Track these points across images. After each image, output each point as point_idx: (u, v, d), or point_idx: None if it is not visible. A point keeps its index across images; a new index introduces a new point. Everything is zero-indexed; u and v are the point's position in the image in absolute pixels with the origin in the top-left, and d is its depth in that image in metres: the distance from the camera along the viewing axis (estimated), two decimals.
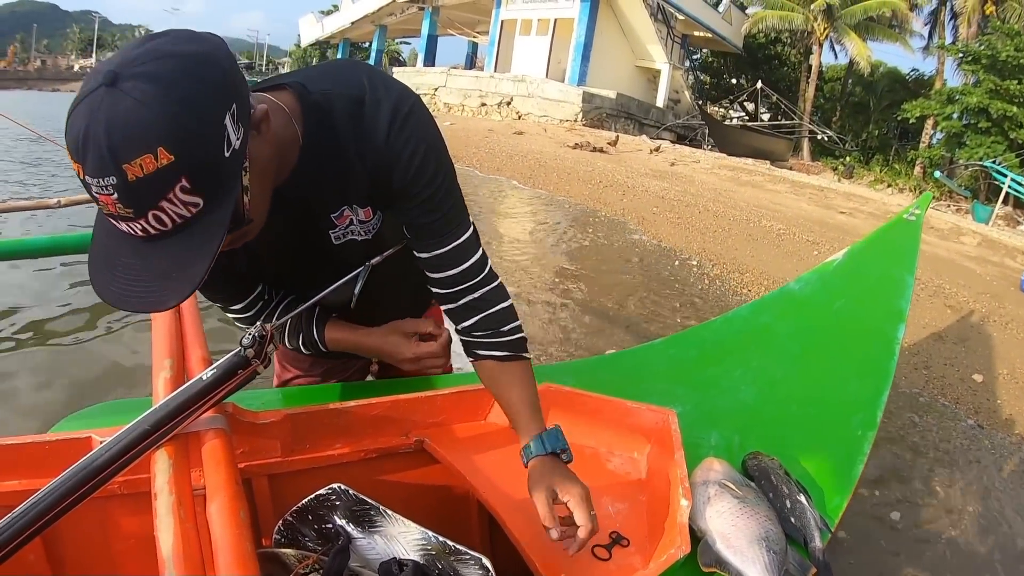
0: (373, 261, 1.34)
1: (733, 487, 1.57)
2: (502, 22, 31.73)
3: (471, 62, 40.60)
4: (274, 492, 1.69)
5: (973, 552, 3.42)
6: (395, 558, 1.38)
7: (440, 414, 1.82)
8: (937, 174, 22.04)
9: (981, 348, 6.44)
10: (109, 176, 0.89)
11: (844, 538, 3.19)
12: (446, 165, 1.38)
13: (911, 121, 25.96)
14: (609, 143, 18.89)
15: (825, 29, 29.53)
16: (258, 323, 1.27)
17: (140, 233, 0.97)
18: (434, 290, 1.50)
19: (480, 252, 1.48)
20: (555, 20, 29.59)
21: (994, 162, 19.90)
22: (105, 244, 1.04)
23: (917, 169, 25.51)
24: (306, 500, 1.43)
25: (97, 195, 0.92)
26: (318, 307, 1.70)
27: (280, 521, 1.47)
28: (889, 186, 23.16)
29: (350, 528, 1.42)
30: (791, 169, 23.02)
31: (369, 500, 1.39)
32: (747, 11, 34.21)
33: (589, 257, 7.77)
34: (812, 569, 1.48)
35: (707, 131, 27.42)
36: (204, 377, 1.24)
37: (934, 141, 26.18)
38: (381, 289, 1.59)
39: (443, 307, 1.54)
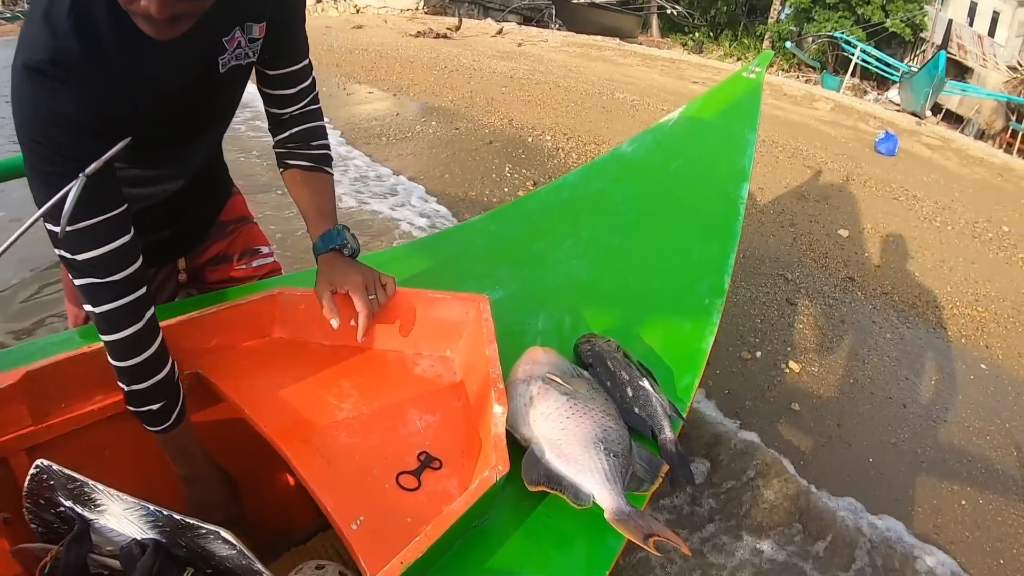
0: (89, 170, 1.10)
1: (561, 381, 1.32)
2: None
3: None
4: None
5: (854, 399, 3.54)
6: (135, 540, 1.12)
7: (216, 336, 1.56)
8: (788, 44, 22.57)
9: (843, 205, 6.55)
10: None
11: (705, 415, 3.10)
12: None
13: None
14: (451, 28, 18.38)
15: None
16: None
17: None
18: (271, 110, 1.59)
19: (312, 76, 1.60)
20: None
21: (843, 35, 20.37)
22: None
23: (766, 43, 25.80)
24: (26, 484, 1.13)
25: None
26: None
27: (25, 505, 1.18)
28: (739, 59, 23.37)
29: (81, 509, 1.14)
30: (641, 45, 22.94)
31: (77, 476, 1.08)
32: None
33: (437, 145, 7.44)
34: (664, 466, 1.26)
35: (554, 11, 27.11)
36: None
37: (782, 16, 26.59)
38: (194, 179, 1.64)
39: (273, 122, 1.61)
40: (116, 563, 1.14)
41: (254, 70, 1.49)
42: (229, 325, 1.56)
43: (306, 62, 1.55)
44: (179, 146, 1.52)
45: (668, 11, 29.90)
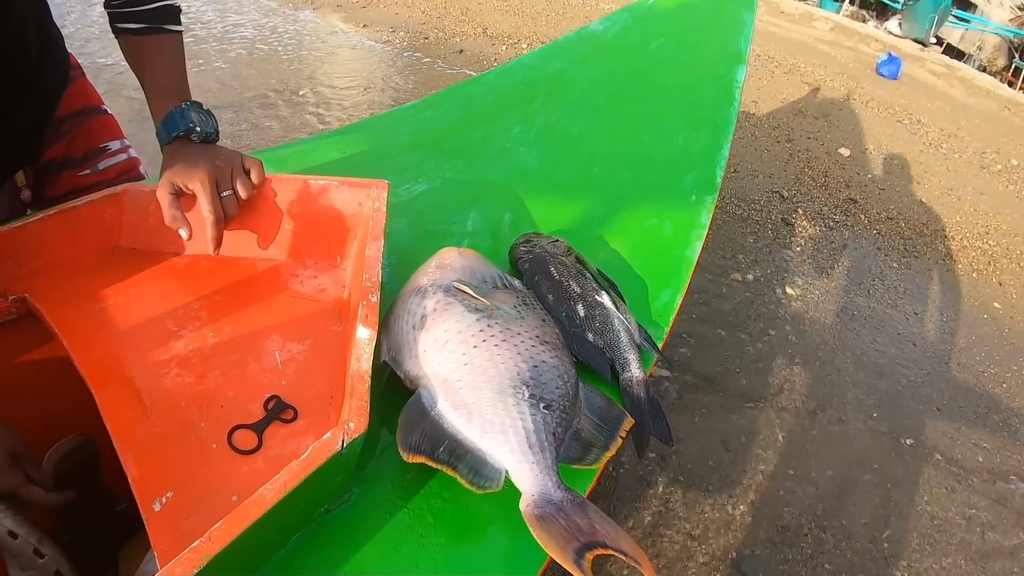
0: None
1: (472, 292, 0.90)
2: None
3: None
4: None
5: (857, 333, 3.24)
6: None
7: (48, 249, 1.20)
8: None
9: (844, 124, 6.23)
10: None
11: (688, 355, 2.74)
12: None
13: None
14: None
15: None
16: None
17: None
18: None
19: None
20: None
21: None
22: None
23: None
24: None
25: None
26: None
27: None
28: None
29: None
30: None
31: None
32: None
33: (408, 66, 7.07)
34: (627, 419, 0.86)
35: None
36: None
37: None
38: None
39: None
40: None
41: None
42: (64, 234, 1.21)
43: None
44: None
45: None
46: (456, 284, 0.91)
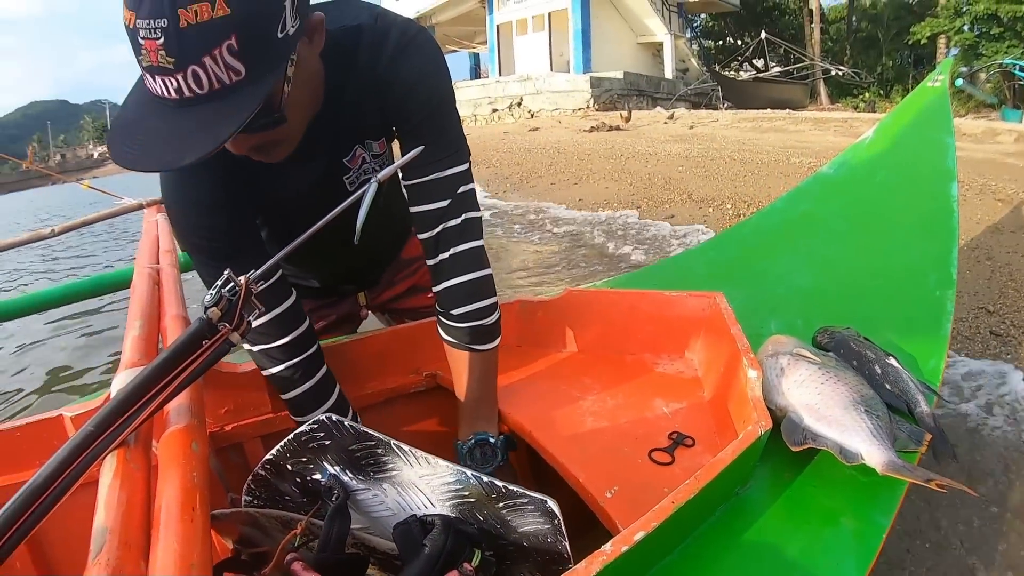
0: (380, 176, 1.10)
1: (809, 354, 1.30)
2: (498, 27, 31.57)
3: (475, 73, 40.51)
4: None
5: None
6: (415, 515, 1.06)
7: None
8: (959, 82, 21.60)
9: None
10: (161, 18, 0.88)
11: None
12: (445, 91, 1.31)
13: (923, 43, 25.75)
14: (623, 119, 18.72)
15: None
16: (226, 272, 0.96)
17: (173, 94, 0.94)
18: (418, 235, 1.40)
19: (464, 191, 1.35)
20: (549, 14, 29.46)
21: (1012, 60, 19.56)
22: (131, 115, 1.01)
23: None
24: (282, 444, 1.12)
25: (143, 41, 0.90)
26: None
27: (249, 477, 1.19)
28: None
29: (347, 477, 1.11)
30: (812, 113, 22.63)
31: (375, 433, 1.05)
32: None
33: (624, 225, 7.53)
34: (926, 435, 1.20)
35: (720, 92, 27.21)
36: (159, 356, 0.97)
37: (950, 58, 25.88)
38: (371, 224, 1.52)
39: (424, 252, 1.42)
40: (380, 541, 1.10)
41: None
42: None
43: (439, 175, 1.32)
44: (335, 248, 1.56)
45: (834, 74, 29.45)
46: (796, 352, 1.30)
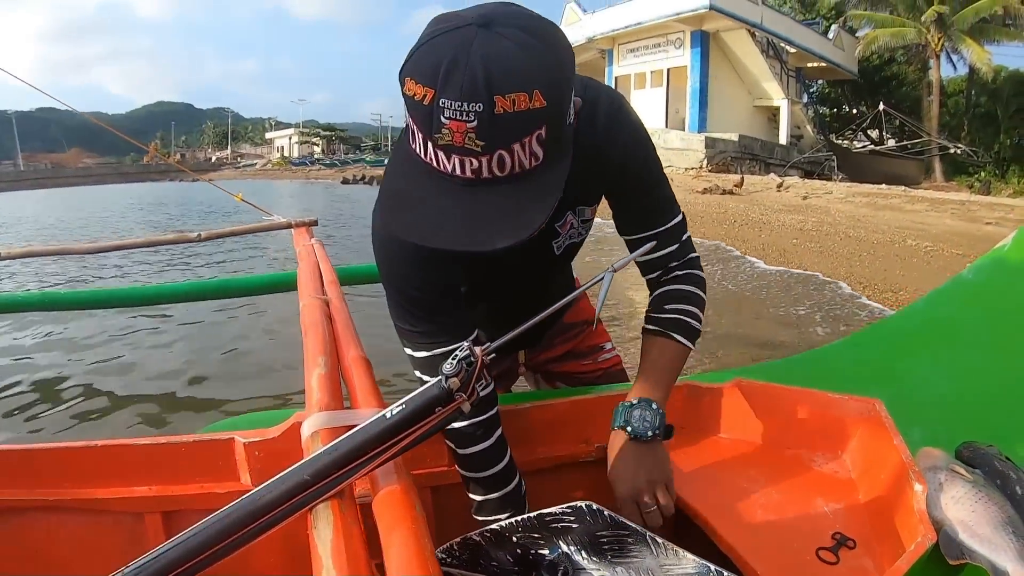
0: (616, 266, 1.21)
1: (963, 472, 1.45)
2: (616, 79, 31.92)
3: None
4: (437, 505, 1.62)
5: None
6: None
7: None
8: None
9: None
10: (477, 103, 0.92)
11: None
12: (654, 152, 1.43)
13: None
14: (736, 184, 18.85)
15: (940, 39, 28.81)
16: (465, 344, 1.03)
17: (468, 174, 0.99)
18: (641, 271, 1.56)
19: (686, 238, 1.52)
20: (668, 70, 29.94)
21: None
22: (405, 186, 1.06)
23: None
24: (518, 520, 1.22)
25: (447, 120, 0.94)
26: None
27: (457, 539, 1.29)
28: None
29: (580, 557, 1.19)
30: (927, 191, 22.23)
31: (631, 524, 1.16)
32: (857, 34, 33.71)
33: (735, 291, 7.63)
34: None
35: (835, 162, 26.98)
36: (390, 414, 1.01)
37: None
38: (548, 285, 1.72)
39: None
40: None
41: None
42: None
43: (663, 228, 1.47)
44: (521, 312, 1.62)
45: (951, 151, 28.87)
46: (952, 468, 1.44)
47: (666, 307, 1.51)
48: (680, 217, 1.50)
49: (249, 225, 4.51)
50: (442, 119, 0.94)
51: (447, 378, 0.99)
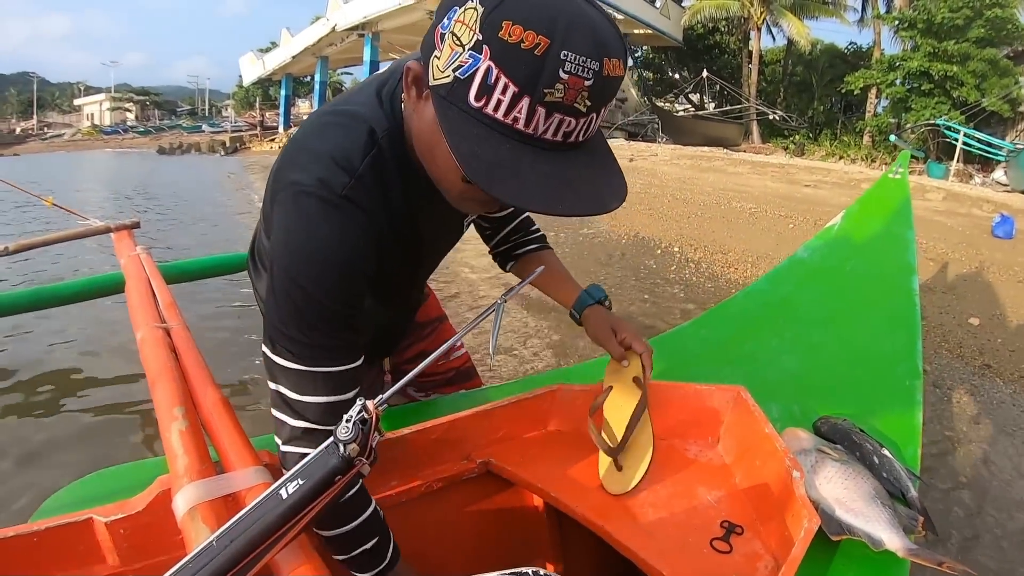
0: (506, 297, 1.34)
1: (831, 452, 1.57)
2: None
3: None
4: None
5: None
6: None
7: (500, 429, 1.74)
8: (892, 138, 22.50)
9: (970, 293, 6.55)
10: (595, 60, 0.89)
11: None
12: None
13: (855, 93, 26.46)
14: None
15: (762, 13, 29.75)
16: (359, 402, 0.92)
17: (558, 137, 0.95)
18: (483, 224, 1.79)
19: None
20: None
21: (944, 121, 20.40)
22: (494, 155, 0.94)
23: (866, 139, 26.00)
24: None
25: (566, 76, 0.88)
26: None
27: None
28: (841, 158, 23.61)
29: None
30: (745, 153, 23.49)
31: None
32: (683, 4, 34.62)
33: (573, 261, 7.76)
34: (920, 518, 1.46)
35: (658, 125, 27.67)
36: (285, 493, 0.90)
37: (879, 110, 26.70)
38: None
39: (486, 234, 1.84)
40: None
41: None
42: (513, 418, 1.75)
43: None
44: (409, 289, 1.69)
45: (769, 116, 30.12)
46: (820, 449, 1.56)
47: (531, 229, 1.85)
48: None
49: (63, 233, 3.99)
50: (561, 73, 0.88)
51: (345, 445, 0.90)
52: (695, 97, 36.86)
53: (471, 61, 0.90)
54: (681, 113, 33.10)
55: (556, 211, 0.94)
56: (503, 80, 0.89)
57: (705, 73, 31.68)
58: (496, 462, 1.65)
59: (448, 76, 0.94)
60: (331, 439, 0.91)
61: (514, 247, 1.82)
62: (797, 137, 28.15)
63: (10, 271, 6.86)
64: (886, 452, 1.63)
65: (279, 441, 1.21)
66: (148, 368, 1.67)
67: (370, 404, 0.92)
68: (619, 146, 20.84)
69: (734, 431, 1.67)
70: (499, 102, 0.90)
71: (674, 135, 26.34)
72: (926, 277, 6.95)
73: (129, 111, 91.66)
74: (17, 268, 6.91)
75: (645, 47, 39.23)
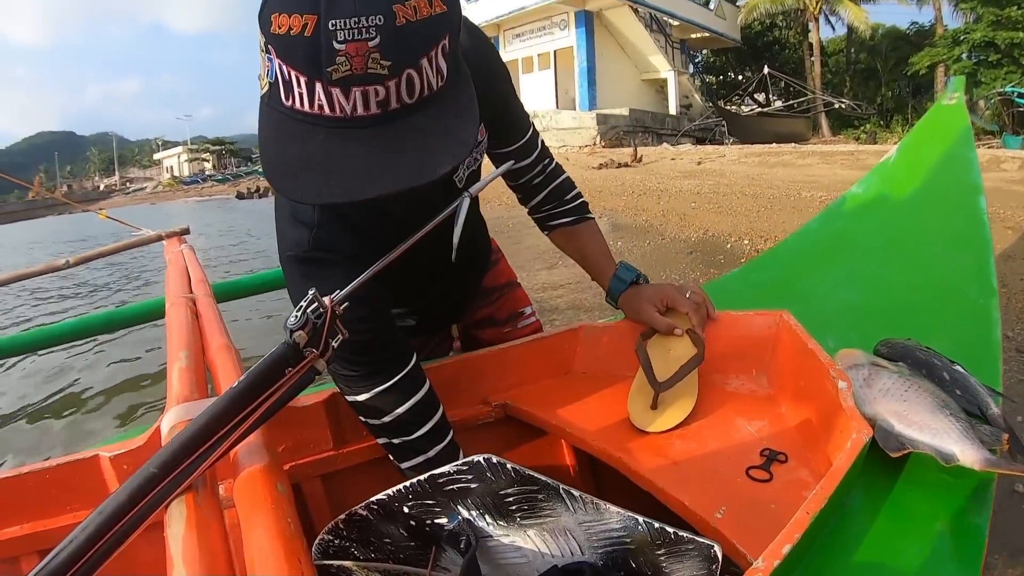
0: (472, 190, 1.15)
1: (886, 364, 1.35)
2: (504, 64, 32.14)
3: None
4: (330, 495, 1.51)
5: None
6: (556, 567, 1.04)
7: (520, 372, 1.66)
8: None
9: None
10: (376, 15, 0.81)
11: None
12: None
13: (922, 73, 26.06)
14: (631, 157, 19.03)
15: (818, 3, 29.48)
16: (311, 292, 0.91)
17: (374, 110, 0.86)
18: (514, 183, 1.66)
19: (541, 141, 1.62)
20: (555, 52, 30.13)
21: (1013, 88, 19.81)
22: (298, 152, 0.89)
23: None
24: (406, 486, 1.06)
25: (341, 46, 0.81)
26: None
27: (341, 516, 1.14)
28: None
29: (483, 522, 1.05)
30: (815, 146, 22.75)
31: (541, 477, 1.01)
32: (738, 3, 34.49)
33: (643, 261, 7.61)
34: (1004, 435, 1.23)
35: (725, 127, 27.44)
36: (235, 386, 0.90)
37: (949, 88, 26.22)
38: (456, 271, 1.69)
39: (521, 193, 1.69)
40: None
41: (486, 156, 1.51)
42: (533, 359, 1.67)
43: (531, 131, 1.57)
44: (433, 270, 1.58)
45: (836, 106, 29.61)
46: (873, 363, 1.35)
47: (567, 198, 1.68)
48: (533, 126, 1.59)
49: (118, 244, 4.26)
50: (335, 45, 0.81)
51: (291, 332, 0.88)
52: (760, 96, 36.29)
53: (270, 65, 0.88)
54: (747, 113, 32.63)
55: (359, 196, 0.87)
56: (292, 73, 0.86)
57: (767, 70, 31.16)
58: (515, 404, 1.56)
59: (265, 85, 0.92)
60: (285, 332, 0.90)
61: (547, 217, 1.71)
62: (868, 126, 27.62)
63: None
64: (959, 368, 1.40)
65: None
66: (168, 326, 1.73)
67: (327, 299, 0.90)
68: (686, 151, 20.58)
69: (777, 356, 1.49)
70: (301, 95, 0.87)
71: (741, 135, 26.01)
72: (1005, 245, 6.60)
73: (206, 161, 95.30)
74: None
75: (705, 51, 39.15)
